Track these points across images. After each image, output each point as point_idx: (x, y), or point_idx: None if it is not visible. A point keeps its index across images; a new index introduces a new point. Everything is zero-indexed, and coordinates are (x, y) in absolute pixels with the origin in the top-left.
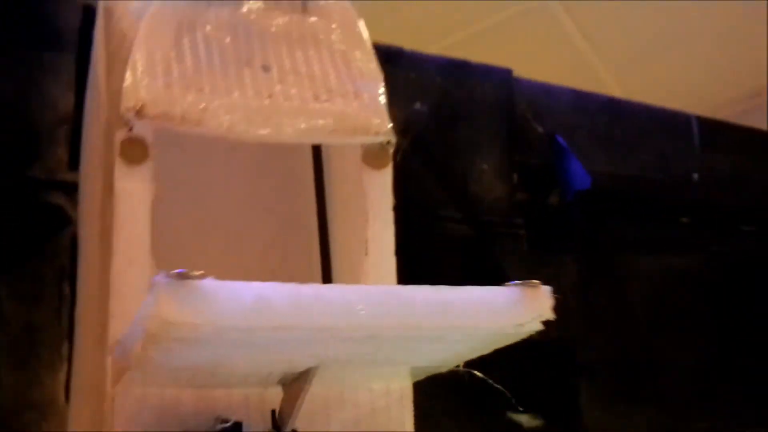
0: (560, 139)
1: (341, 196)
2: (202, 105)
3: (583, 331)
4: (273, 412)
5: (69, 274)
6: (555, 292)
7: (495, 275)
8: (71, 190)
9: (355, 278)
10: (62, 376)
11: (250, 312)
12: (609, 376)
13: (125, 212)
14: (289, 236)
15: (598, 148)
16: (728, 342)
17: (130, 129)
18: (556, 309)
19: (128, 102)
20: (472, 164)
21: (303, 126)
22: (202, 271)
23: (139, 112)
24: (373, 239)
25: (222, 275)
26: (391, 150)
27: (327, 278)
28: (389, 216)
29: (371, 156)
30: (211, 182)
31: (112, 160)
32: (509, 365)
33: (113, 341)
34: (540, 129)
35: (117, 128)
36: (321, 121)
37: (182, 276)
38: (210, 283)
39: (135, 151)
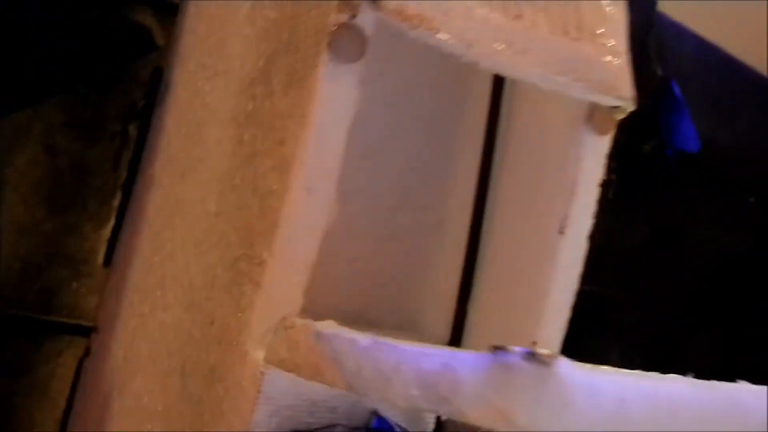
0: (676, 88)
1: (533, 150)
2: (444, 8)
3: (634, 294)
4: (438, 418)
5: (140, 114)
6: (624, 249)
7: None
8: (166, 12)
9: (536, 255)
10: (107, 232)
11: (607, 421)
12: (641, 341)
13: (321, 122)
14: (435, 163)
15: (702, 105)
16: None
17: (353, 16)
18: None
19: None
20: None
21: (546, 65)
22: (550, 352)
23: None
24: (574, 217)
25: (351, 191)
26: (621, 117)
27: (475, 232)
28: (595, 193)
29: (599, 119)
30: (366, 79)
31: (311, 43)
32: None
33: (281, 319)
34: (659, 71)
35: (330, 8)
36: (567, 65)
37: (535, 359)
38: (569, 374)
39: (349, 45)
